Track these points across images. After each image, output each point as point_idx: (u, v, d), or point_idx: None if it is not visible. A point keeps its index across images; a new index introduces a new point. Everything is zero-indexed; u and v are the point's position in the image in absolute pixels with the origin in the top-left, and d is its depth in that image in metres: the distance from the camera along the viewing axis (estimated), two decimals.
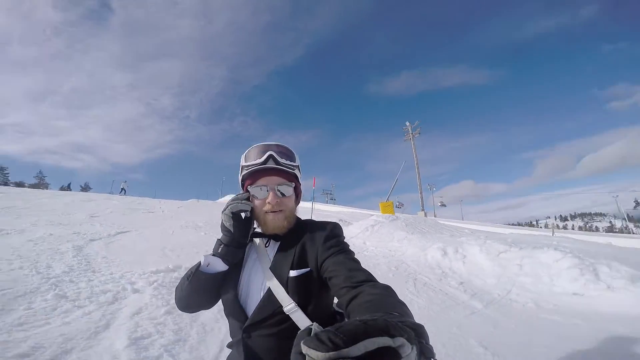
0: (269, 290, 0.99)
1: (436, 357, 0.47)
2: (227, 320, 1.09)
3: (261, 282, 1.03)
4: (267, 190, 1.05)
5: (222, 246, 1.06)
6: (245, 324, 0.99)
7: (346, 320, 0.57)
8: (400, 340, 0.39)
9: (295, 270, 1.00)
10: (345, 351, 0.37)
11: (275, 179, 1.06)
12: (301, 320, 0.95)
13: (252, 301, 1.01)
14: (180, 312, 2.27)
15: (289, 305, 0.95)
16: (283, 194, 1.06)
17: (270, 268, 1.03)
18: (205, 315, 3.17)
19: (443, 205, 40.79)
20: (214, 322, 3.12)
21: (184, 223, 8.76)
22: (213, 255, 1.06)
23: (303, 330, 0.45)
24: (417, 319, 0.57)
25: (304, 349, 0.39)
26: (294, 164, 1.08)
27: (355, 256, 1.02)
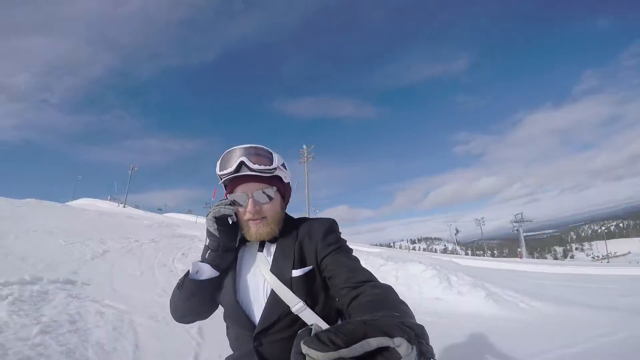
0: (273, 292, 0.96)
1: (436, 357, 0.48)
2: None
3: (262, 285, 1.00)
4: (247, 198, 1.00)
5: (209, 252, 1.02)
6: (255, 331, 0.95)
7: (347, 319, 0.55)
8: (400, 341, 0.40)
9: (297, 270, 0.98)
10: (346, 351, 0.37)
11: (253, 186, 1.00)
12: (311, 318, 0.93)
13: (256, 307, 0.98)
14: (64, 331, 2.10)
15: (296, 304, 0.93)
16: (265, 200, 1.01)
17: (270, 270, 0.99)
18: (98, 333, 2.77)
19: None
20: (114, 340, 2.73)
21: (30, 226, 7.64)
22: (201, 261, 1.02)
23: (303, 330, 0.45)
24: None
25: (304, 349, 0.39)
26: (271, 167, 1.00)
27: (353, 254, 1.02)
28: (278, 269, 0.98)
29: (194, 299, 1.01)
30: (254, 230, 1.00)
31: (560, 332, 4.59)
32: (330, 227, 1.06)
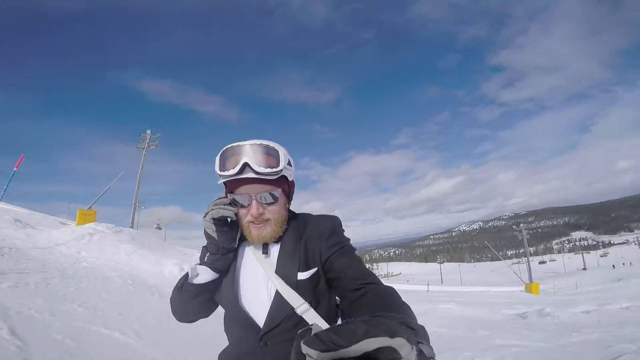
0: (278, 294, 0.94)
1: (436, 358, 0.48)
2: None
3: (266, 286, 0.98)
4: (250, 200, 0.94)
5: (208, 254, 0.99)
6: (261, 332, 0.94)
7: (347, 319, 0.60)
8: (400, 341, 0.39)
9: (303, 273, 0.96)
10: (346, 351, 0.37)
11: (256, 187, 0.93)
12: (315, 319, 0.92)
13: (260, 308, 0.96)
14: None
15: (301, 306, 0.92)
16: (269, 202, 0.95)
17: (275, 272, 0.97)
18: None
19: (159, 228, 38.77)
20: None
21: None
22: (200, 264, 1.00)
23: (303, 330, 0.44)
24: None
25: (304, 349, 0.39)
26: (278, 168, 0.92)
27: (356, 253, 1.02)
28: (284, 271, 0.96)
29: (194, 301, 0.99)
30: (255, 233, 0.96)
31: None
32: (335, 226, 1.05)
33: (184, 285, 0.98)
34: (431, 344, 0.49)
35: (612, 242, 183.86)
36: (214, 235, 0.95)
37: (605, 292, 16.51)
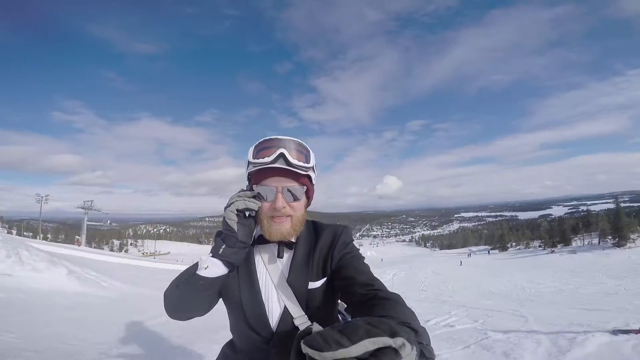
0: (287, 300, 0.96)
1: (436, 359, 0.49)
2: None
3: (277, 291, 0.98)
4: (276, 192, 0.93)
5: (224, 247, 0.93)
6: (271, 336, 0.96)
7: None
8: (400, 341, 0.40)
9: (314, 282, 0.98)
10: (346, 351, 0.38)
11: (285, 181, 0.93)
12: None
13: (271, 311, 0.97)
14: None
15: (309, 313, 0.96)
16: (293, 198, 0.95)
17: (287, 280, 0.98)
18: None
19: None
20: None
21: None
22: (212, 256, 0.93)
23: (303, 330, 0.47)
24: None
25: (304, 349, 0.40)
26: (308, 165, 0.95)
27: (365, 261, 1.01)
28: (295, 279, 0.97)
29: (199, 295, 0.94)
30: (275, 227, 0.95)
31: (145, 306, 5.16)
32: (345, 235, 1.05)
33: (191, 276, 0.92)
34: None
35: None
36: (234, 227, 0.91)
37: None
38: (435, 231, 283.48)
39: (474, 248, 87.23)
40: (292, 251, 1.01)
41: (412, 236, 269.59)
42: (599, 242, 48.85)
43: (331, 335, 0.39)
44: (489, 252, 65.17)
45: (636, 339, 4.11)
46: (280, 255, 0.99)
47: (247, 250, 0.96)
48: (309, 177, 0.97)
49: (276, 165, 0.90)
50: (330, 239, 1.03)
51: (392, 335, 0.40)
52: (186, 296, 0.93)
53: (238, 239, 0.91)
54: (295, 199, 0.95)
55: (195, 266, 0.94)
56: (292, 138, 0.94)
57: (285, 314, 0.95)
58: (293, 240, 1.01)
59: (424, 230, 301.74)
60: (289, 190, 0.93)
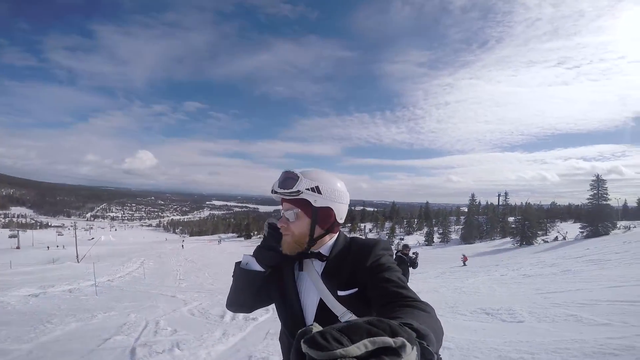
0: (321, 301, 1.03)
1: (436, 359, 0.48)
2: None
3: (309, 296, 1.08)
4: (281, 214, 1.12)
5: (256, 247, 1.13)
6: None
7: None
8: (400, 341, 0.39)
9: (343, 291, 1.02)
10: (345, 350, 0.37)
11: (285, 205, 1.09)
12: None
13: (307, 313, 1.07)
14: None
15: (342, 312, 0.99)
16: (291, 219, 1.08)
17: (317, 287, 1.06)
18: None
19: None
20: None
21: None
22: (252, 255, 1.12)
23: (303, 330, 0.44)
24: None
25: (304, 348, 0.39)
26: (292, 190, 1.04)
27: (400, 274, 1.01)
28: (325, 285, 1.04)
29: (243, 288, 1.12)
30: (284, 241, 1.09)
31: None
32: (378, 248, 1.07)
33: (235, 269, 1.13)
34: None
35: (50, 223, 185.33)
36: (265, 234, 1.14)
37: (46, 273, 16.74)
38: (186, 217, 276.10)
39: (223, 235, 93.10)
40: (324, 263, 1.10)
41: (160, 220, 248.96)
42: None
43: (331, 335, 0.38)
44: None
45: None
46: (301, 269, 1.12)
47: (274, 254, 1.10)
48: (305, 201, 1.05)
49: (274, 194, 1.09)
50: (361, 252, 1.07)
51: (392, 335, 0.39)
52: (235, 288, 1.14)
53: (264, 243, 1.12)
54: (293, 219, 1.08)
55: (239, 261, 1.14)
56: (287, 170, 1.09)
57: (319, 311, 1.05)
58: (326, 254, 1.11)
59: (174, 215, 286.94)
60: (286, 213, 1.08)
